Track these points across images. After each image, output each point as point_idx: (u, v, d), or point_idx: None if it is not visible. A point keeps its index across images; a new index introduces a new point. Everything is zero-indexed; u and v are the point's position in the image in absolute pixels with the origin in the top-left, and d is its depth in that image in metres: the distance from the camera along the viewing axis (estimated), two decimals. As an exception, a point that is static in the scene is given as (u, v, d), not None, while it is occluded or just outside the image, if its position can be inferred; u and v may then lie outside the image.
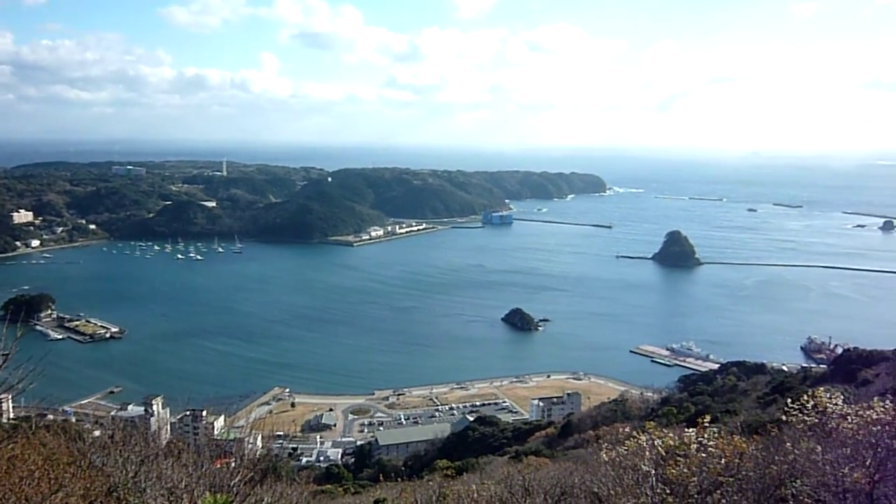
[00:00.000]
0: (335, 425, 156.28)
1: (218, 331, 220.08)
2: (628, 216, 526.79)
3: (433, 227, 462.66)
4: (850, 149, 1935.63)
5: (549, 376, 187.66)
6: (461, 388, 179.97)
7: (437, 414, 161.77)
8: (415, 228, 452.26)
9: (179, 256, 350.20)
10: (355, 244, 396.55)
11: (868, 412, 14.88)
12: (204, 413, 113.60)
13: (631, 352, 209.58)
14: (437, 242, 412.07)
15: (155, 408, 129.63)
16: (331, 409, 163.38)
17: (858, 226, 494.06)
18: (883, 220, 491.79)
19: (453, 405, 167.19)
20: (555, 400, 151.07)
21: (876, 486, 13.99)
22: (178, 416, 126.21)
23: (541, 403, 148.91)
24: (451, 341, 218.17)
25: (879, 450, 14.17)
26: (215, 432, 56.05)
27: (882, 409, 14.73)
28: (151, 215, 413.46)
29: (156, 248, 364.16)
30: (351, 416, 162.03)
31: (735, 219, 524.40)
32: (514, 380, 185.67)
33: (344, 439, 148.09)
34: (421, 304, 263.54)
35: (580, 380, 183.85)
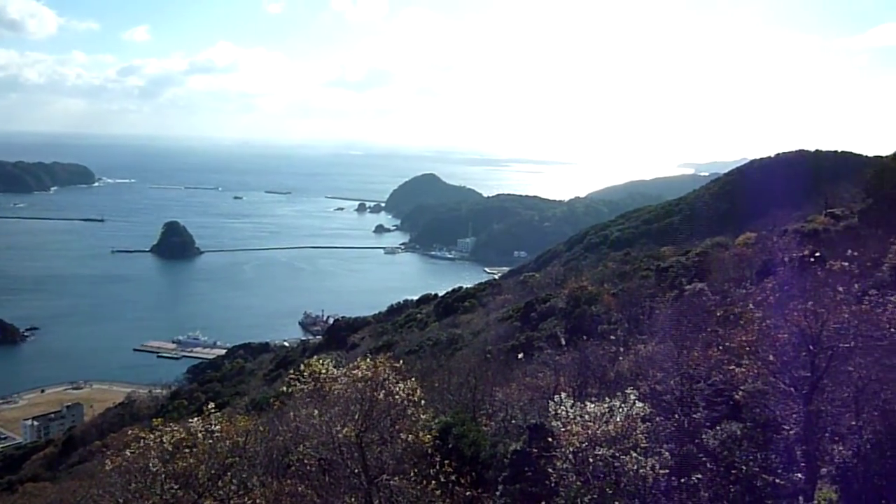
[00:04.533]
0: None
1: None
2: (122, 208, 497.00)
3: None
4: (324, 139, 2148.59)
5: (43, 391, 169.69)
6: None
7: None
8: None
9: None
10: None
11: (354, 372, 16.96)
12: None
13: (135, 350, 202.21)
14: None
15: None
16: None
17: (339, 209, 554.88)
18: (357, 202, 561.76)
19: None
20: (52, 416, 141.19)
21: (363, 436, 16.12)
22: None
23: (35, 423, 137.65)
24: None
25: (364, 403, 16.34)
26: None
27: (365, 367, 16.95)
28: None
29: None
30: None
31: (231, 207, 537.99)
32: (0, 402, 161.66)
33: None
34: None
35: (81, 388, 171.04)
